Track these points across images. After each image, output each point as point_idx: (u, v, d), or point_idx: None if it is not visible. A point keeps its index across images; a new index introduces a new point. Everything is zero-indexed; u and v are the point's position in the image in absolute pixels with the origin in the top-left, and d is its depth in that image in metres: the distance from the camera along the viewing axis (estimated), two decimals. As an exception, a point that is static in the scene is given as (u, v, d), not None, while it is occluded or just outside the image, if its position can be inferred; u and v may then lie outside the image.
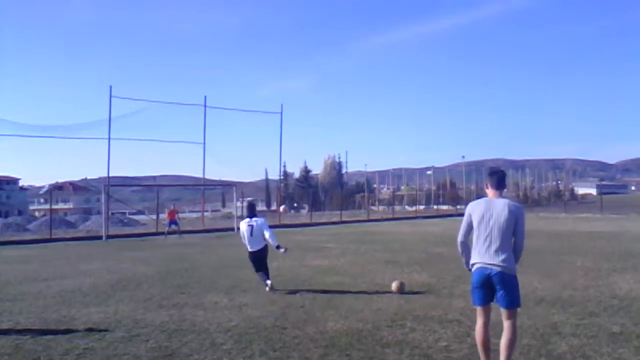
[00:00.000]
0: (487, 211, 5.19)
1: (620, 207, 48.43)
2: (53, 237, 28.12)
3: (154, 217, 36.92)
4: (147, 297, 10.03)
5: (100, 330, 7.40)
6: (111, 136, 33.00)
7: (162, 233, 30.21)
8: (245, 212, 11.31)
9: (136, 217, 53.74)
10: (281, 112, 41.44)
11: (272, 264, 14.77)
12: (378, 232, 28.18)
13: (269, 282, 10.43)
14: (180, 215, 36.56)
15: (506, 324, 5.19)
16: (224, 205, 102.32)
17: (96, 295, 10.32)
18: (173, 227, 28.53)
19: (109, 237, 28.06)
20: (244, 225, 10.86)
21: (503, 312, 5.21)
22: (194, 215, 60.12)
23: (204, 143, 37.57)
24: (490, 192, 5.39)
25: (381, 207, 70.59)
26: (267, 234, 10.58)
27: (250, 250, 10.74)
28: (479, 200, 5.40)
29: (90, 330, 7.45)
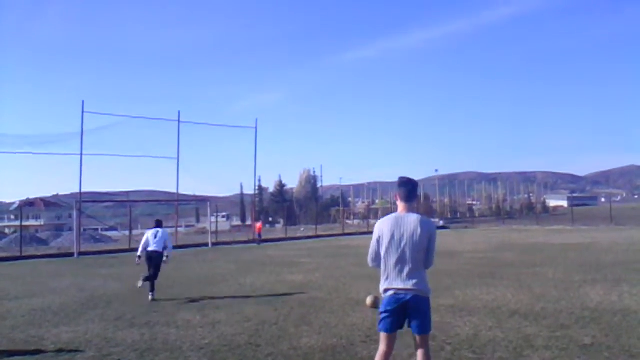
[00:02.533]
0: (397, 229, 4.65)
1: (590, 218, 49.18)
2: (23, 254, 27.63)
3: (127, 233, 36.49)
4: (118, 315, 9.88)
5: (71, 351, 7.26)
6: (83, 151, 32.72)
7: (135, 249, 30.03)
8: (154, 225, 13.28)
9: (109, 234, 53.15)
10: (255, 127, 41.52)
11: (246, 279, 14.75)
12: (353, 246, 28.20)
13: (151, 296, 11.62)
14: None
15: (420, 352, 4.65)
16: (198, 221, 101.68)
17: (66, 315, 10.13)
18: (258, 237, 34.75)
19: (80, 254, 27.65)
20: (150, 232, 12.59)
21: (417, 339, 4.66)
22: (168, 230, 59.60)
23: (178, 158, 37.42)
24: (400, 205, 4.84)
25: (356, 221, 70.77)
26: (168, 242, 12.67)
27: (149, 249, 12.24)
28: (389, 216, 4.82)
29: (60, 350, 7.30)
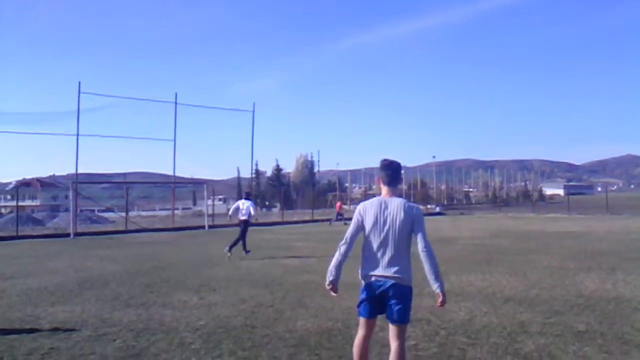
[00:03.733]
0: (380, 214, 4.44)
1: (586, 207, 49.31)
2: (19, 234, 27.63)
3: (123, 214, 36.50)
4: (114, 296, 9.89)
5: (66, 330, 7.27)
6: (80, 132, 32.56)
7: (132, 230, 30.26)
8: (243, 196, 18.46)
9: (105, 215, 53.12)
10: (253, 111, 41.38)
11: (242, 262, 14.79)
12: (349, 231, 28.17)
13: (226, 249, 15.62)
14: (150, 213, 37.08)
15: (395, 345, 4.41)
16: (194, 203, 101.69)
17: (62, 294, 10.14)
18: (339, 217, 36.84)
19: (77, 234, 27.66)
20: (240, 202, 16.80)
21: (392, 329, 4.44)
22: (164, 213, 59.57)
23: (175, 140, 37.27)
24: (383, 189, 4.59)
25: (353, 206, 70.85)
26: (252, 209, 16.41)
27: (241, 218, 16.32)
28: (372, 200, 4.60)
29: (55, 329, 7.31)
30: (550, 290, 9.72)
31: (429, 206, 61.59)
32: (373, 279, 4.45)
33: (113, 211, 52.95)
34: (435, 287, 4.40)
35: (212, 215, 36.74)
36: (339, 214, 38.42)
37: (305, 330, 7.10)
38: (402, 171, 5.05)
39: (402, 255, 4.43)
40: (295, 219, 42.10)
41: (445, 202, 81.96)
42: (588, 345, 6.22)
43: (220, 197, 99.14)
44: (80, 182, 34.87)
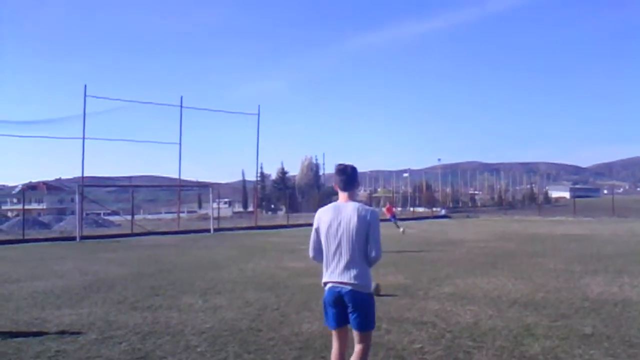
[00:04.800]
0: (334, 219, 4.40)
1: (592, 210, 49.17)
2: (26, 237, 27.70)
3: (129, 217, 36.59)
4: (120, 299, 9.92)
5: (73, 333, 7.30)
6: (86, 136, 32.66)
7: (137, 234, 30.33)
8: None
9: (111, 218, 53.19)
10: (258, 113, 41.36)
11: (247, 265, 14.81)
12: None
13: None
14: (156, 216, 37.02)
15: (358, 347, 4.39)
16: (200, 207, 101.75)
17: (69, 297, 10.18)
18: (393, 221, 31.24)
19: (83, 238, 27.72)
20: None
21: (355, 335, 4.40)
22: (170, 216, 59.67)
23: (180, 144, 37.33)
24: (340, 194, 4.55)
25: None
26: None
27: None
28: (327, 206, 4.59)
29: (62, 332, 7.34)
30: (556, 293, 9.71)
31: (434, 209, 61.55)
32: (331, 284, 4.42)
33: (119, 214, 53.03)
34: None
35: (218, 219, 36.79)
36: (392, 215, 32.82)
37: (311, 333, 7.11)
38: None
39: (359, 261, 4.35)
40: (300, 222, 42.03)
41: (451, 205, 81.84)
42: (594, 348, 6.21)
43: (226, 200, 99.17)
44: (87, 185, 35.01)
